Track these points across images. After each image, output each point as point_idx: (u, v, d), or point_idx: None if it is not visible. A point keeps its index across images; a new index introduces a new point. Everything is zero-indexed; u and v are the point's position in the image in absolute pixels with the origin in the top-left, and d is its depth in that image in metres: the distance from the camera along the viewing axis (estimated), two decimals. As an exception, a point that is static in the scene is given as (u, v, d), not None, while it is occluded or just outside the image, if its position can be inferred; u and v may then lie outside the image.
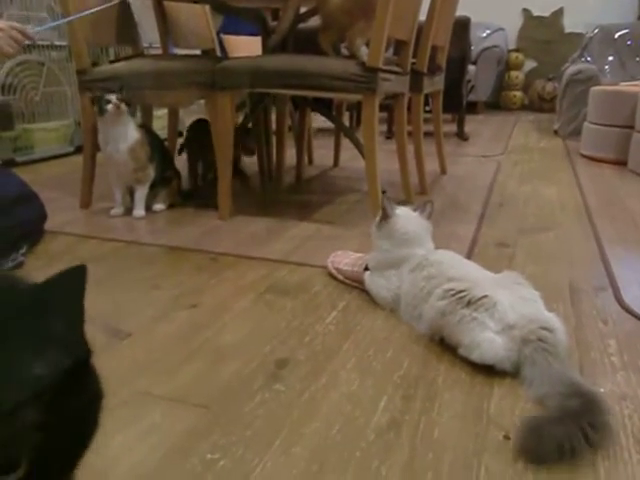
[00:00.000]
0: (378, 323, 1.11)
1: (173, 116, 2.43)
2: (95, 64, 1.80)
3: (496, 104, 5.59)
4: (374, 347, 1.01)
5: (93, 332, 1.12)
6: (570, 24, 5.37)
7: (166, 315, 1.14)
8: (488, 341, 0.91)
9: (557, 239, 1.65)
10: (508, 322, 0.92)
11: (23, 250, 1.41)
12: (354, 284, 1.28)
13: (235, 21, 3.57)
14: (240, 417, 0.81)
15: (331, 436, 0.77)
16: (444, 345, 1.00)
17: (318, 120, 3.43)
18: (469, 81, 4.71)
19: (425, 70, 2.03)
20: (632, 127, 2.71)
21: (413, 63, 1.95)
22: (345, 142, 2.54)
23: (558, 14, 5.42)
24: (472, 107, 5.04)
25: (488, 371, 0.92)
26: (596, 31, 4.01)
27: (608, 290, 1.28)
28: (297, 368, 0.94)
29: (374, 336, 1.06)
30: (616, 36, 3.93)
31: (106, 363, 0.96)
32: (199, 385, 0.90)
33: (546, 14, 5.45)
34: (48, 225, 1.62)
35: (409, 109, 2.00)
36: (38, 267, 1.39)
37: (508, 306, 0.94)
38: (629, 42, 3.88)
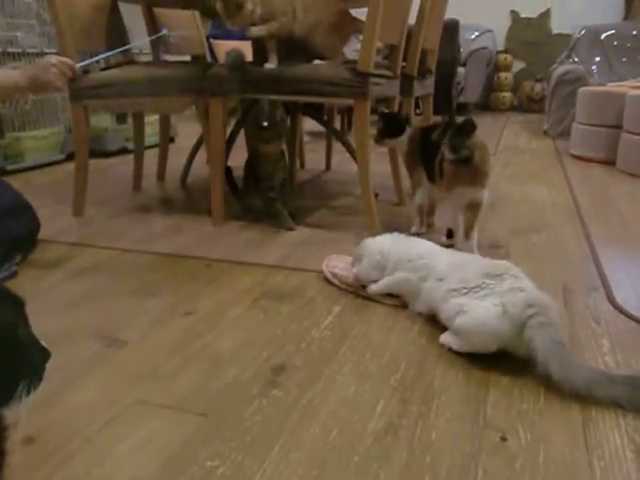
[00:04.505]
0: (374, 327, 1.12)
1: (165, 122, 2.42)
2: (86, 72, 1.79)
3: (486, 105, 5.63)
4: (370, 351, 1.02)
5: (89, 342, 1.12)
6: (557, 25, 5.42)
7: (162, 323, 1.14)
8: (485, 307, 0.97)
9: (549, 240, 1.66)
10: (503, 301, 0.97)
11: (16, 260, 1.41)
12: (350, 288, 1.28)
13: (224, 26, 3.57)
14: (239, 424, 0.82)
15: (330, 441, 0.78)
16: (440, 347, 1.02)
17: (309, 124, 3.44)
18: (459, 83, 4.75)
19: (415, 74, 2.04)
20: (620, 127, 2.74)
21: (403, 67, 1.96)
22: (337, 145, 2.55)
23: (545, 16, 5.47)
24: (462, 109, 5.08)
25: (484, 373, 0.93)
26: (583, 32, 4.06)
27: (600, 290, 1.29)
28: (294, 374, 0.95)
29: (370, 340, 1.06)
30: (602, 37, 3.98)
31: (103, 373, 0.97)
32: (197, 393, 0.90)
33: (533, 15, 5.51)
34: (41, 234, 1.61)
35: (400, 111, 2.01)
36: (32, 276, 1.39)
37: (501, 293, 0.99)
38: (615, 43, 3.93)
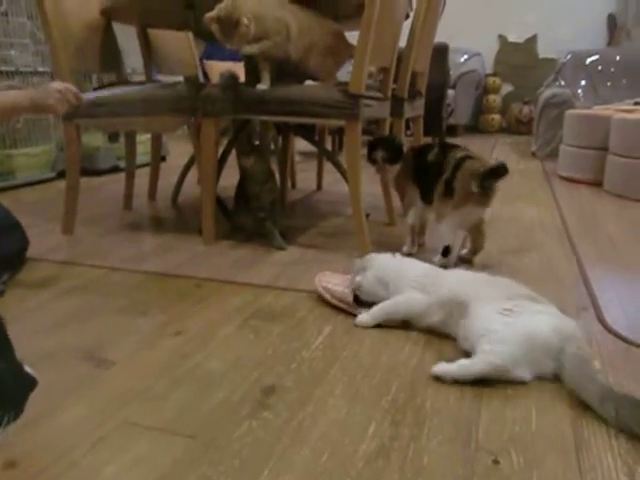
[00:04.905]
0: (365, 347, 1.11)
1: (156, 141, 2.43)
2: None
3: (475, 127, 5.72)
4: (361, 372, 1.01)
5: (76, 362, 1.10)
6: (544, 50, 5.55)
7: (151, 343, 1.13)
8: (539, 319, 1.00)
9: (539, 260, 1.67)
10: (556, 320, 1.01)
11: (4, 278, 1.39)
12: (340, 305, 1.28)
13: (217, 47, 3.62)
14: (228, 446, 0.80)
15: (320, 464, 0.77)
16: (431, 368, 1.01)
17: (301, 144, 3.46)
18: (448, 105, 4.83)
19: (406, 96, 2.07)
20: (606, 149, 2.79)
21: (394, 89, 1.99)
22: (328, 166, 2.56)
23: (532, 40, 5.60)
24: (452, 130, 5.15)
25: (475, 395, 0.93)
26: (569, 57, 4.14)
27: (590, 310, 1.30)
28: (284, 395, 0.94)
29: (361, 361, 1.06)
30: (587, 62, 4.07)
31: (90, 394, 0.95)
32: (185, 414, 0.88)
33: (521, 40, 5.63)
34: (30, 252, 1.60)
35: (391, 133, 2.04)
36: (19, 295, 1.37)
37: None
38: (599, 68, 4.02)
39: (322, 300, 1.32)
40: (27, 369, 0.58)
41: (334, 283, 1.33)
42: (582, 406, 0.90)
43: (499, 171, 1.44)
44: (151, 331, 1.18)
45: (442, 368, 0.99)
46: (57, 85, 1.45)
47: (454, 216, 1.50)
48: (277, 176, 2.34)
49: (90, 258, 1.65)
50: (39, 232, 1.88)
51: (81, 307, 1.31)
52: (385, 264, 1.27)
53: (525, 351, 0.96)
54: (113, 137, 3.14)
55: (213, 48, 3.83)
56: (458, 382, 0.96)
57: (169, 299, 1.36)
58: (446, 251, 1.54)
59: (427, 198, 1.58)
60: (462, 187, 1.47)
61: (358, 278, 1.26)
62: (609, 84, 3.98)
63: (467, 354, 1.03)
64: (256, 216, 1.79)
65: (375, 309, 1.20)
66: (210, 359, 1.06)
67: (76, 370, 1.02)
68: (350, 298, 1.26)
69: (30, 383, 0.57)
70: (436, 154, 1.55)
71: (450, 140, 1.75)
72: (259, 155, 1.77)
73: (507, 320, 0.99)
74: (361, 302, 1.26)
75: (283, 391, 0.95)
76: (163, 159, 2.64)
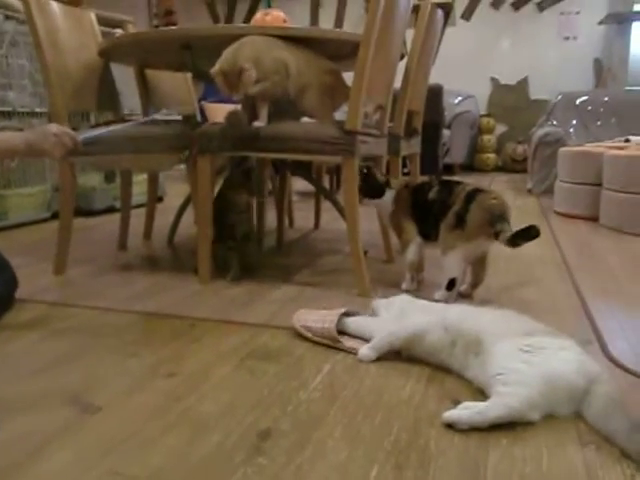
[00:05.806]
0: (365, 386, 1.06)
1: (153, 181, 2.43)
2: (74, 129, 1.80)
3: (471, 166, 5.78)
4: (362, 412, 0.96)
5: (61, 407, 1.05)
6: (535, 91, 5.69)
7: (141, 386, 1.08)
8: (563, 359, 0.95)
9: (540, 294, 1.64)
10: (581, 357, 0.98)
11: (-9, 319, 1.35)
12: (324, 341, 1.25)
13: (216, 89, 3.68)
14: (220, 496, 0.75)
15: (319, 514, 0.71)
16: (437, 405, 0.96)
17: (299, 184, 3.48)
18: (444, 144, 4.90)
19: (402, 133, 2.09)
20: (600, 184, 2.81)
21: (390, 127, 2.00)
22: (325, 204, 2.56)
23: (523, 82, 5.75)
24: (448, 169, 5.21)
25: (482, 434, 0.88)
26: (559, 97, 4.25)
27: (594, 344, 1.26)
28: (281, 439, 0.88)
29: (361, 400, 1.01)
30: (577, 102, 4.17)
31: (73, 441, 0.90)
32: (176, 462, 0.83)
33: (512, 82, 5.78)
34: (20, 293, 1.56)
35: (388, 171, 2.04)
36: (6, 337, 1.32)
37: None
38: (589, 108, 4.12)
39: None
40: None
41: (313, 320, 1.29)
42: (595, 444, 0.86)
43: (531, 233, 1.44)
44: (142, 373, 1.13)
45: (454, 415, 0.91)
46: (54, 128, 1.45)
47: (464, 248, 1.49)
48: (275, 215, 2.33)
49: (81, 299, 1.61)
50: (30, 272, 1.84)
51: (70, 349, 1.26)
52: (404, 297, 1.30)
53: (545, 393, 0.90)
54: (109, 177, 3.15)
55: (211, 89, 3.89)
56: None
57: (162, 340, 1.31)
58: (451, 284, 1.51)
59: (428, 234, 1.57)
60: (475, 219, 1.46)
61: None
62: (599, 123, 4.07)
63: (474, 391, 0.99)
64: (226, 245, 1.81)
65: (375, 340, 1.17)
66: (203, 402, 1.01)
67: (60, 415, 0.97)
68: (334, 332, 1.23)
69: None
70: (438, 190, 1.55)
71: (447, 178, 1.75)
72: (244, 187, 1.83)
73: (527, 358, 0.94)
74: (345, 334, 1.25)
75: (280, 435, 0.90)
76: (160, 200, 2.63)
